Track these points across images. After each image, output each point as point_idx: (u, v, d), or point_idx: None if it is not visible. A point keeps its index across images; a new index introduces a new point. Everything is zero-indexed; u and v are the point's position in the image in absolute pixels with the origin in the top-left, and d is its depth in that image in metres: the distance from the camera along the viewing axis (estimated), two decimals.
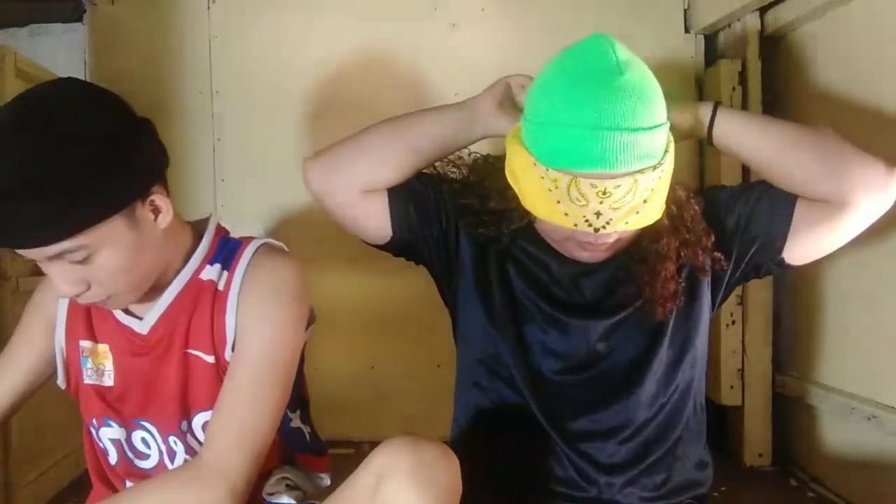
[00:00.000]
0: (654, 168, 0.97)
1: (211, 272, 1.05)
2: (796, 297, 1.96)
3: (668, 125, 0.99)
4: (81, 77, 2.16)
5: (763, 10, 1.95)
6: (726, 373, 1.99)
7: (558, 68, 1.00)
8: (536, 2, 2.13)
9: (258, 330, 1.01)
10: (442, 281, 1.21)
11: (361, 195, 1.15)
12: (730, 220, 1.12)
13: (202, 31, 2.16)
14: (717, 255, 1.10)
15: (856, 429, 1.66)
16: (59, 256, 0.91)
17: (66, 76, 1.05)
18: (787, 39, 1.95)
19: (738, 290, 1.97)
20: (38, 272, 1.68)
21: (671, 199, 1.06)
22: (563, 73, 0.99)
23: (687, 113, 1.11)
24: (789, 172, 1.07)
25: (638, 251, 1.08)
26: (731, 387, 1.99)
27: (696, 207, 1.10)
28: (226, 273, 1.05)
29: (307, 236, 2.10)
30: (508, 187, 1.06)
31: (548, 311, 1.11)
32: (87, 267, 0.93)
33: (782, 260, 1.11)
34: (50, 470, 1.79)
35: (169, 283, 1.04)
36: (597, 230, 0.97)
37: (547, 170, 0.97)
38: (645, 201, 0.98)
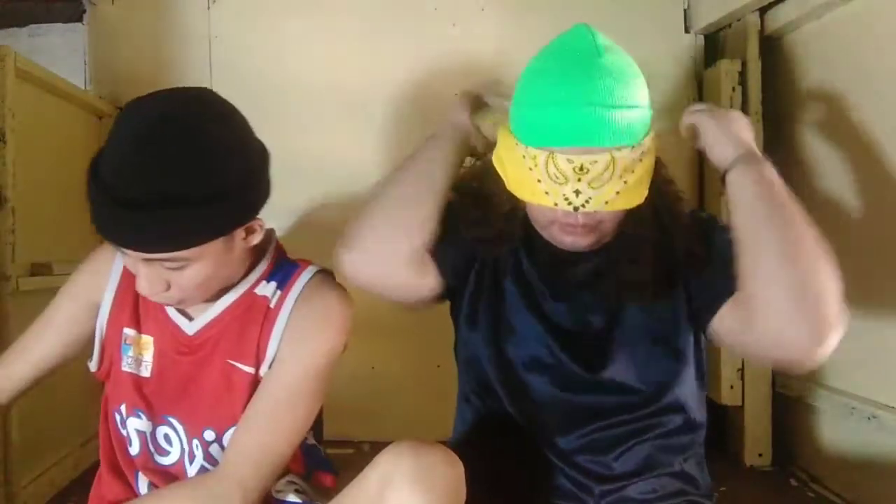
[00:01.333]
0: (632, 148, 0.97)
1: (266, 289, 1.07)
2: None
3: (648, 111, 1.00)
4: (81, 77, 2.17)
5: (763, 10, 1.95)
6: (726, 373, 1.99)
7: (541, 54, 1.05)
8: (536, 1, 2.14)
9: (298, 355, 1.03)
10: (455, 302, 1.18)
11: (410, 264, 1.09)
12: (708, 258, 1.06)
13: (202, 31, 2.16)
14: (697, 249, 1.06)
15: (856, 429, 1.66)
16: (156, 261, 0.94)
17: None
18: (787, 39, 1.95)
19: None
20: (37, 272, 1.69)
21: (655, 190, 1.04)
22: (544, 57, 1.04)
23: (725, 144, 1.01)
24: (755, 273, 0.95)
25: (624, 242, 1.07)
26: (731, 387, 1.99)
27: (682, 199, 1.09)
28: (279, 292, 1.07)
29: (306, 236, 2.10)
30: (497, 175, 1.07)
31: (543, 329, 1.09)
32: (175, 273, 0.96)
33: (707, 331, 1.06)
34: (50, 470, 1.79)
35: (226, 290, 1.06)
36: (576, 208, 0.97)
37: (526, 148, 0.99)
38: (625, 182, 0.97)
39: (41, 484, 1.74)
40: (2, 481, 1.57)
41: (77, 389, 1.79)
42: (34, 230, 1.69)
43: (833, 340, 0.92)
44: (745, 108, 1.98)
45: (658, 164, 1.05)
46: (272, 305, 1.06)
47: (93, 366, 1.12)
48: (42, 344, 1.12)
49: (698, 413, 1.13)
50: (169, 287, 0.97)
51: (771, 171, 0.99)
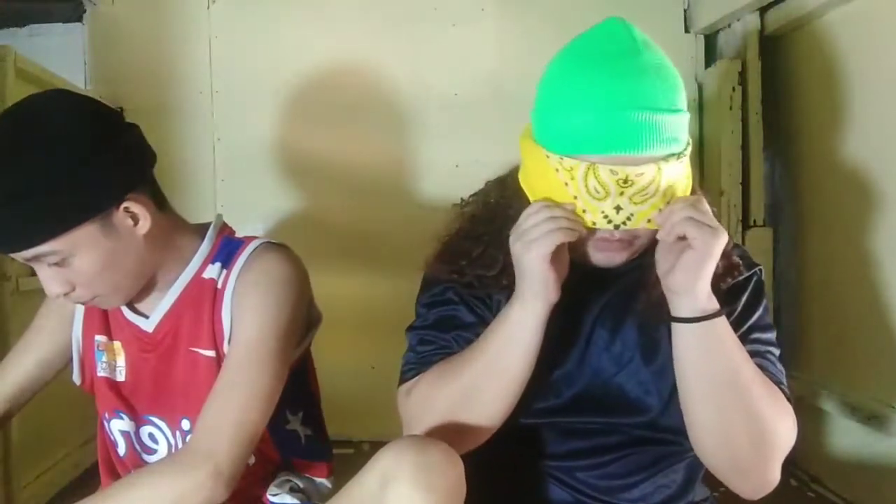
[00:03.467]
0: (678, 157, 0.88)
1: (212, 271, 1.07)
2: (796, 298, 1.96)
3: (688, 116, 0.91)
4: (81, 77, 2.17)
5: (763, 10, 1.95)
6: None
7: (571, 52, 0.93)
8: (536, 2, 2.13)
9: (245, 319, 1.03)
10: None
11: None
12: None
13: (202, 31, 2.16)
14: (735, 260, 0.97)
15: (856, 429, 1.66)
16: (36, 259, 0.95)
17: (60, 85, 1.09)
18: (787, 39, 1.95)
19: None
20: None
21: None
22: (576, 55, 0.91)
23: (692, 286, 0.86)
24: (697, 436, 0.93)
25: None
26: None
27: (712, 208, 0.95)
28: (225, 271, 1.07)
29: (307, 236, 2.10)
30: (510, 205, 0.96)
31: (558, 374, 1.00)
32: (67, 270, 0.96)
33: None
34: (50, 470, 1.79)
35: (173, 282, 1.07)
36: (617, 227, 0.87)
37: (561, 159, 0.87)
38: (668, 201, 0.87)
39: (41, 484, 1.74)
40: (2, 481, 1.57)
41: (77, 390, 1.79)
42: None
43: (774, 485, 0.98)
44: (744, 108, 1.98)
45: (692, 180, 0.95)
46: (219, 286, 1.06)
47: (76, 378, 1.14)
48: (25, 360, 1.14)
49: None
50: (74, 287, 0.98)
51: (725, 326, 0.89)
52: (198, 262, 1.08)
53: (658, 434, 1.00)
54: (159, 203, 1.04)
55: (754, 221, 1.99)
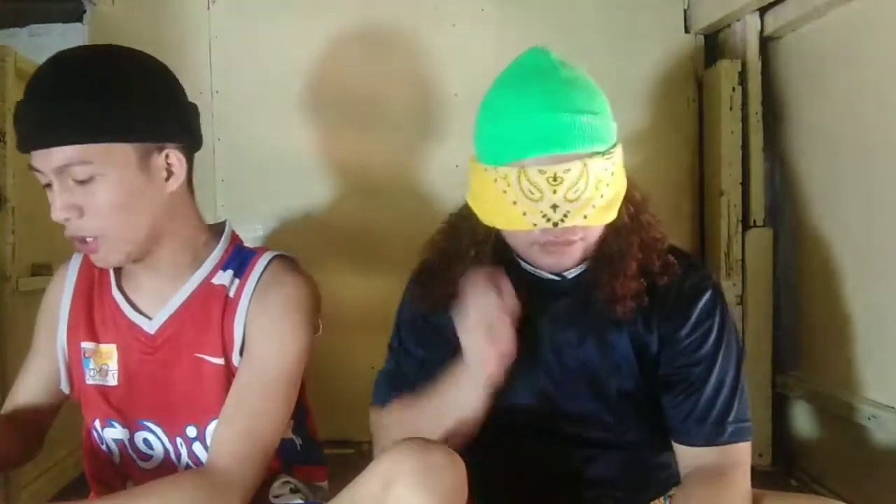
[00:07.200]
0: (603, 155, 0.96)
1: (223, 277, 1.07)
2: (796, 298, 1.96)
3: (612, 123, 1.00)
4: None
5: (763, 10, 1.95)
6: None
7: (500, 79, 1.04)
8: (536, 2, 2.13)
9: (267, 343, 1.03)
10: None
11: None
12: (683, 332, 1.05)
13: (202, 31, 2.16)
14: (671, 259, 1.04)
15: (856, 429, 1.66)
16: (64, 170, 0.94)
17: None
18: (787, 40, 1.95)
19: (737, 290, 1.97)
20: (37, 272, 1.69)
21: (629, 200, 1.04)
22: (503, 79, 1.03)
23: None
24: None
25: (604, 258, 1.04)
26: None
27: (652, 212, 1.08)
28: (237, 280, 1.07)
29: (307, 236, 2.10)
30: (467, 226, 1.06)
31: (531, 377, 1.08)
32: (86, 191, 0.95)
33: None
34: (50, 470, 1.79)
35: (182, 283, 1.07)
36: (556, 224, 0.94)
37: (496, 168, 0.96)
38: (602, 196, 0.95)
39: (41, 484, 1.74)
40: (2, 481, 1.57)
41: None
42: (34, 230, 1.68)
43: None
44: (744, 108, 1.98)
45: (630, 184, 1.04)
46: (231, 294, 1.06)
47: (64, 387, 1.13)
48: (31, 379, 1.14)
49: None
50: (83, 214, 0.96)
51: None
52: (209, 267, 1.08)
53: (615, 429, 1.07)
54: (190, 181, 1.08)
55: (754, 221, 1.99)
